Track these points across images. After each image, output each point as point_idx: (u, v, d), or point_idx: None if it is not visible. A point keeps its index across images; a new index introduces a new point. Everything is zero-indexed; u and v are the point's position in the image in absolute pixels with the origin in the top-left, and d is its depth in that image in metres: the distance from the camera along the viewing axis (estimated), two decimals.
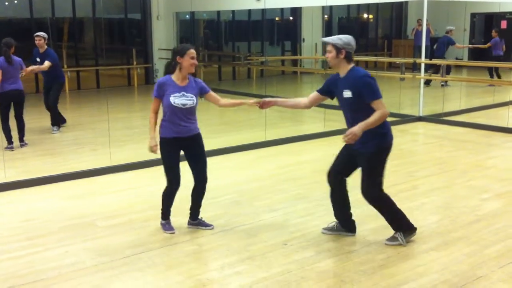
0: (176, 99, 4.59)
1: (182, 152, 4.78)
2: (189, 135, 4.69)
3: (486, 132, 9.02)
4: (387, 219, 4.55)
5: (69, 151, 8.03)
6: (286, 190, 5.97)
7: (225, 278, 3.96)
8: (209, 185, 6.27)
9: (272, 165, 7.14)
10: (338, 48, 4.31)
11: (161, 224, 4.89)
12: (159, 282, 3.91)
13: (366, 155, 4.38)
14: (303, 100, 4.74)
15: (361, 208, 5.33)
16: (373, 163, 4.43)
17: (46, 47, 9.00)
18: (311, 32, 17.42)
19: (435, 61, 12.53)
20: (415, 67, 14.77)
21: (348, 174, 4.66)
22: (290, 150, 8.01)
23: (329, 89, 4.55)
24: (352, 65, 4.38)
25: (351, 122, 4.35)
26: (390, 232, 4.75)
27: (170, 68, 4.75)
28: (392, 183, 6.17)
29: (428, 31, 13.08)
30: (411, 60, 13.40)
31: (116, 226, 4.98)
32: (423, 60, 11.03)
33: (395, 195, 5.73)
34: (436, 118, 10.13)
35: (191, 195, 4.88)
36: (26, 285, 3.87)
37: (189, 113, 4.66)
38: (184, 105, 4.61)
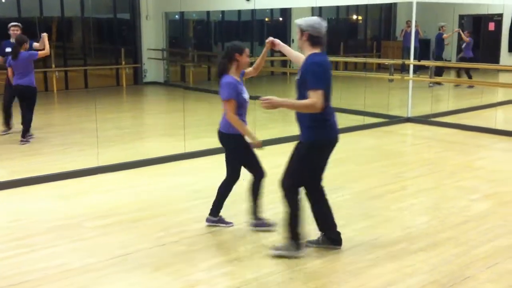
0: (245, 94, 4.65)
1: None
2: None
3: (474, 133, 9.07)
4: (285, 222, 4.30)
5: (57, 151, 7.97)
6: (275, 191, 5.92)
7: (213, 279, 3.94)
8: (197, 186, 6.26)
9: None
10: (301, 30, 4.11)
11: (217, 221, 4.87)
12: (147, 283, 3.88)
13: (302, 144, 4.22)
14: (294, 54, 4.70)
15: (348, 209, 5.34)
16: (302, 154, 4.20)
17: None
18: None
19: (423, 63, 12.58)
20: (403, 68, 14.84)
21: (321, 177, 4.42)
22: (279, 151, 7.96)
23: None
24: (316, 50, 4.10)
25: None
26: (377, 231, 4.76)
27: (223, 67, 4.64)
28: (381, 184, 6.19)
29: (417, 32, 13.17)
30: (400, 62, 13.47)
31: (104, 227, 4.94)
32: (411, 62, 11.08)
33: (384, 195, 5.76)
34: (425, 119, 10.17)
35: (252, 190, 4.78)
36: (12, 287, 3.83)
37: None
38: (248, 98, 4.72)
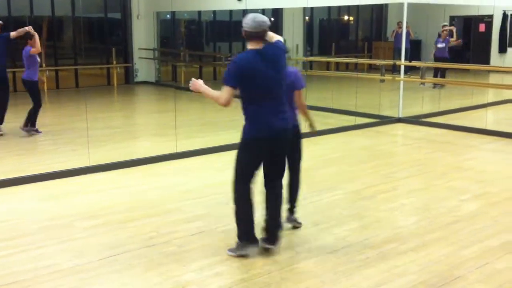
0: None
1: None
2: None
3: (465, 134, 9.12)
4: (236, 221, 4.33)
5: (47, 151, 7.93)
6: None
7: (204, 280, 3.93)
8: (189, 186, 6.25)
9: None
10: (242, 28, 4.10)
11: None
12: (137, 283, 3.86)
13: None
14: None
15: (339, 210, 5.35)
16: (238, 150, 4.28)
17: None
18: (292, 33, 17.45)
19: (414, 63, 12.62)
20: (395, 69, 14.88)
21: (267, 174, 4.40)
22: None
23: None
24: (253, 46, 4.07)
25: None
26: (368, 232, 4.77)
27: None
28: (371, 184, 6.20)
29: (408, 33, 13.19)
30: (391, 62, 13.51)
31: (94, 227, 4.92)
32: (403, 62, 11.11)
33: (374, 196, 5.78)
34: (416, 120, 10.21)
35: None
36: (2, 287, 3.80)
37: None
38: None
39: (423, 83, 13.07)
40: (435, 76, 14.57)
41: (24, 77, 8.70)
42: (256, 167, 4.26)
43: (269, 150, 4.22)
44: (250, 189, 4.27)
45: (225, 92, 4.01)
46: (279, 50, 4.16)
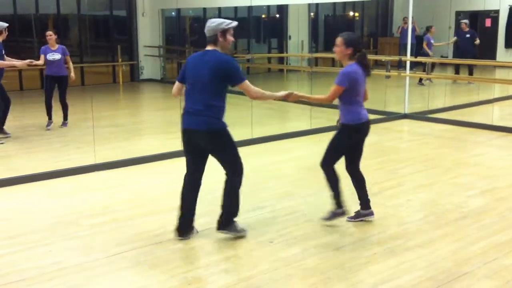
0: None
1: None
2: None
3: (471, 130, 9.07)
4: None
5: (53, 149, 7.94)
6: (272, 188, 5.96)
7: (210, 276, 3.93)
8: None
9: (258, 162, 7.12)
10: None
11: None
12: (143, 281, 3.87)
13: None
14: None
15: (345, 206, 5.33)
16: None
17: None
18: (297, 30, 17.43)
19: (420, 59, 12.58)
20: (400, 65, 14.82)
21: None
22: (276, 148, 8.00)
23: None
24: (208, 48, 4.77)
25: None
26: (374, 228, 4.76)
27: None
28: (377, 181, 6.18)
29: (413, 29, 13.14)
30: (396, 58, 13.45)
31: (100, 225, 4.92)
32: (408, 58, 11.07)
33: (380, 192, 5.76)
34: (421, 116, 10.17)
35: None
36: (7, 285, 3.81)
37: None
38: None
39: (429, 79, 13.02)
40: (456, 72, 14.46)
41: None
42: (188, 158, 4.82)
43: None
44: None
45: (174, 85, 4.79)
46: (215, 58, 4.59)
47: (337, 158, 4.83)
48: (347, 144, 4.82)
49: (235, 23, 4.50)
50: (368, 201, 4.92)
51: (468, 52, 14.25)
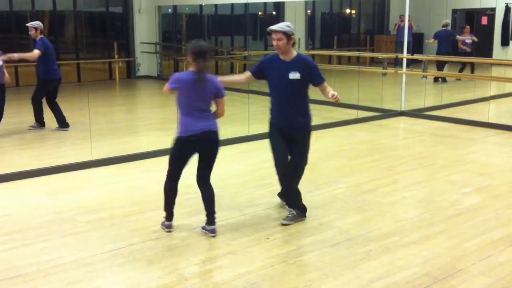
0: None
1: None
2: None
3: (467, 127, 9.11)
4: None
5: (49, 145, 7.94)
6: (268, 185, 5.96)
7: (206, 273, 3.94)
8: (190, 180, 6.24)
9: (255, 159, 7.13)
10: (288, 35, 4.63)
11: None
12: (140, 277, 3.88)
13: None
14: (241, 78, 5.33)
15: (341, 203, 5.35)
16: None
17: (40, 36, 8.80)
18: (294, 27, 17.38)
19: (416, 56, 12.60)
20: (397, 62, 14.85)
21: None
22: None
23: (262, 72, 4.91)
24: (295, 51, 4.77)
25: (289, 103, 4.73)
26: (370, 225, 4.78)
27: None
28: (373, 178, 6.21)
29: (410, 26, 13.18)
30: (393, 55, 13.49)
31: (97, 221, 4.93)
32: (405, 55, 11.09)
33: (376, 189, 5.78)
34: (418, 113, 10.20)
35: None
36: (3, 281, 3.82)
37: None
38: None
39: (425, 76, 13.04)
40: (460, 71, 14.55)
41: None
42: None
43: None
44: None
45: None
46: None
47: (173, 169, 4.70)
48: (177, 155, 4.62)
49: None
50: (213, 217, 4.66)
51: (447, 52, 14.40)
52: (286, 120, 4.77)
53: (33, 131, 8.74)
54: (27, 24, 8.84)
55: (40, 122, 8.96)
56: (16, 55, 8.57)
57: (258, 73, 4.94)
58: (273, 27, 4.65)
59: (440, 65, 14.55)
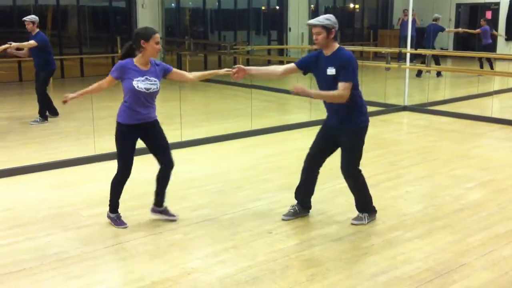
0: (140, 83, 4.51)
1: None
2: (149, 121, 4.68)
3: (471, 122, 9.08)
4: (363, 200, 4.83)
5: (52, 140, 7.94)
6: (271, 180, 5.97)
7: (209, 267, 3.94)
8: (194, 175, 6.26)
9: (257, 154, 7.13)
10: (328, 29, 4.35)
11: (110, 218, 4.73)
12: (143, 271, 3.88)
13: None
14: (278, 69, 4.78)
15: (345, 198, 5.34)
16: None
17: (37, 30, 8.83)
18: (297, 22, 17.39)
19: (420, 51, 12.56)
20: (400, 57, 14.81)
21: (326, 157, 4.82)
22: (275, 140, 8.00)
23: (306, 65, 4.62)
24: (338, 44, 4.47)
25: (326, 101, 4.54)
26: (375, 220, 4.77)
27: (130, 52, 4.61)
28: (376, 173, 6.19)
29: (413, 21, 13.12)
30: (396, 50, 13.45)
31: (100, 216, 4.93)
32: (408, 50, 11.06)
33: (379, 184, 5.78)
34: (421, 108, 10.17)
35: (157, 180, 4.79)
36: (7, 275, 3.83)
37: (151, 98, 4.65)
38: (147, 89, 4.56)
39: (428, 71, 13.01)
40: (481, 66, 14.52)
41: None
42: None
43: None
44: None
45: (349, 89, 4.38)
46: None
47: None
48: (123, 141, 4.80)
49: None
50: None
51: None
52: (329, 120, 4.63)
53: (36, 126, 8.74)
54: (24, 18, 8.85)
55: (53, 111, 9.12)
56: (14, 44, 8.54)
57: (302, 66, 4.63)
58: (311, 21, 4.42)
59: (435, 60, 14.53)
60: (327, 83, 4.42)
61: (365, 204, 4.75)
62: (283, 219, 4.77)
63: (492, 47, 15.09)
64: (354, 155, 4.58)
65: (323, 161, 4.78)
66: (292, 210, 4.84)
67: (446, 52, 14.26)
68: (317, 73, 4.53)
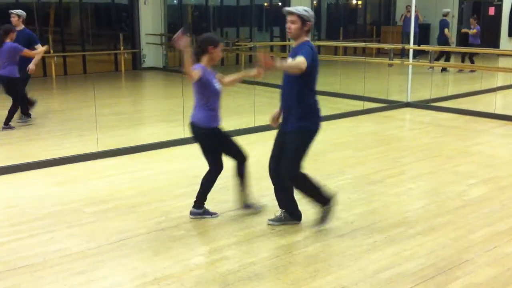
0: (217, 85, 4.60)
1: None
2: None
3: (473, 118, 9.07)
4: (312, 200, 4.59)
5: (55, 137, 7.96)
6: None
7: (212, 263, 3.95)
8: (196, 171, 6.25)
9: (260, 150, 7.10)
10: (304, 20, 4.23)
11: (197, 213, 4.75)
12: (146, 267, 3.89)
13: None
14: None
15: (347, 194, 5.35)
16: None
17: (23, 26, 8.66)
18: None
19: (423, 47, 12.54)
20: (403, 53, 14.79)
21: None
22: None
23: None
24: (308, 39, 4.32)
25: (286, 92, 4.36)
26: (376, 216, 4.77)
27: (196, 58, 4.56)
28: (379, 169, 6.19)
29: (416, 17, 13.11)
30: (399, 46, 13.43)
31: (103, 212, 4.95)
32: (411, 46, 11.04)
33: (382, 181, 5.78)
34: (424, 104, 10.16)
35: (238, 176, 4.76)
36: (10, 271, 3.84)
37: None
38: (220, 90, 4.64)
39: (431, 67, 12.99)
40: (462, 61, 14.55)
41: (5, 73, 8.14)
42: None
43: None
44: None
45: (304, 62, 4.07)
46: None
47: None
48: None
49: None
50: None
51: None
52: (282, 124, 4.44)
53: (39, 123, 8.76)
54: (11, 11, 8.70)
55: (26, 111, 8.70)
56: (33, 68, 8.41)
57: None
58: (288, 8, 4.29)
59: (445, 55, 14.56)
60: (288, 75, 4.29)
61: (320, 199, 4.48)
62: (268, 224, 4.62)
63: (481, 47, 15.13)
64: (293, 157, 4.32)
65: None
66: (278, 215, 4.65)
67: (447, 48, 14.21)
68: None
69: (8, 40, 8.07)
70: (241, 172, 4.76)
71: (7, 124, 8.19)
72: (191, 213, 4.79)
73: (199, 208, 4.78)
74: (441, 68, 14.36)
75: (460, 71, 14.72)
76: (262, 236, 4.39)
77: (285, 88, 4.37)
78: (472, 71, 14.25)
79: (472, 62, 14.62)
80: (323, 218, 4.50)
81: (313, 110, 4.35)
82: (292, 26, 4.25)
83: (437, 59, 14.33)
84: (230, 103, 10.12)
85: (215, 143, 4.66)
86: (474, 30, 14.99)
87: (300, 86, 4.25)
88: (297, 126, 4.29)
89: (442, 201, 5.18)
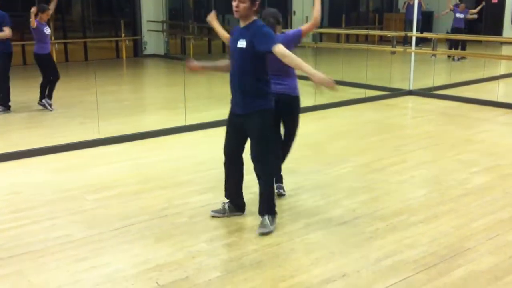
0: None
1: None
2: None
3: (476, 106, 9.04)
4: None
5: (56, 124, 7.95)
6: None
7: (214, 250, 3.96)
8: (199, 159, 6.26)
9: None
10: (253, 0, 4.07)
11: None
12: (148, 254, 3.90)
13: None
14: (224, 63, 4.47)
15: (349, 182, 5.35)
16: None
17: None
18: (302, 5, 17.26)
19: (426, 35, 12.47)
20: (406, 41, 14.70)
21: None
22: None
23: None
24: (255, 18, 4.18)
25: (237, 75, 4.13)
26: (378, 204, 4.77)
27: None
28: (381, 157, 6.18)
29: (419, 5, 12.99)
30: (402, 34, 13.34)
31: (105, 199, 4.95)
32: (414, 34, 10.97)
33: (384, 169, 5.77)
34: (427, 92, 10.12)
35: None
36: (13, 258, 3.85)
37: None
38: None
39: (434, 55, 12.93)
40: (450, 48, 14.47)
41: (34, 50, 8.53)
42: None
43: None
44: None
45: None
46: None
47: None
48: None
49: None
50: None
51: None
52: (233, 107, 4.24)
53: (38, 110, 8.74)
54: None
55: (6, 104, 8.55)
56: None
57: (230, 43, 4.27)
58: None
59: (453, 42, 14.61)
60: (238, 56, 4.10)
61: (273, 203, 4.32)
62: (211, 215, 4.51)
63: (466, 32, 15.11)
64: (262, 140, 4.17)
65: (242, 151, 4.40)
66: (221, 207, 4.55)
67: (451, 36, 14.13)
68: (231, 45, 4.19)
69: None
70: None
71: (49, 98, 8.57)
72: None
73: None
74: (457, 57, 14.35)
75: (456, 59, 14.69)
76: None
77: (239, 68, 4.12)
78: (462, 58, 14.30)
79: (463, 49, 14.67)
80: (268, 224, 4.23)
81: (268, 88, 4.19)
82: (240, 5, 4.08)
83: (455, 47, 14.40)
84: (223, 93, 10.10)
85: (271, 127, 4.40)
86: (475, 11, 14.99)
87: (259, 65, 4.08)
88: (256, 106, 4.12)
89: (444, 189, 5.17)
